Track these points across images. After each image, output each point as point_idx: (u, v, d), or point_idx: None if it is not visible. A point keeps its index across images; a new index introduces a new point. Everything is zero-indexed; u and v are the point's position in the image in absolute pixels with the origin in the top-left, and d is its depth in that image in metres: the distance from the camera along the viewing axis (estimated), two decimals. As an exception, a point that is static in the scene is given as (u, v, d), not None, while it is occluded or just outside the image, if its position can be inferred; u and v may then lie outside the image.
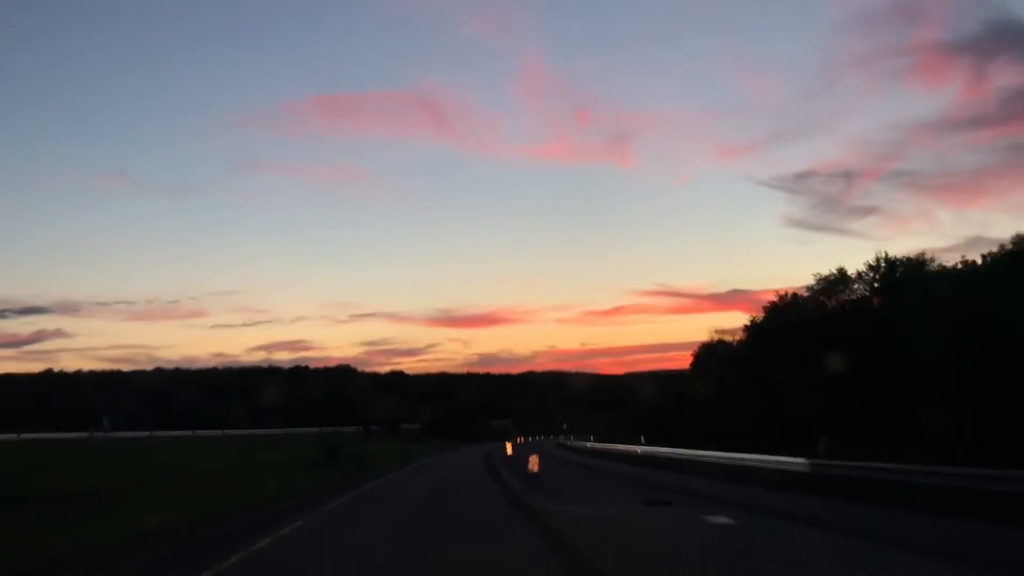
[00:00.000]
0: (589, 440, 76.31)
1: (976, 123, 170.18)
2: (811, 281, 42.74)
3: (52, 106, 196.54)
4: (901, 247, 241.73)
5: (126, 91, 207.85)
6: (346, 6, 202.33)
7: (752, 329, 51.06)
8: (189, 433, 77.08)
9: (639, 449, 47.55)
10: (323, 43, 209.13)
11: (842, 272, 40.84)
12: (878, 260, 38.80)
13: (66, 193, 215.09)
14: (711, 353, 60.14)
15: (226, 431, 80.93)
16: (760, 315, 50.20)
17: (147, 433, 74.09)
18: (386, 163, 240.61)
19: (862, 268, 39.78)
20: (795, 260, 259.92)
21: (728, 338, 58.31)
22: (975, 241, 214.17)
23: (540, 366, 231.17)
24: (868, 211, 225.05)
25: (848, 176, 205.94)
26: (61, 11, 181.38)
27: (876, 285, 39.01)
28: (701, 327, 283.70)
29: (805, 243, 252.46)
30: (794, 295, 46.51)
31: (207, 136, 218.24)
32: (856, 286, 40.50)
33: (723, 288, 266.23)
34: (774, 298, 48.42)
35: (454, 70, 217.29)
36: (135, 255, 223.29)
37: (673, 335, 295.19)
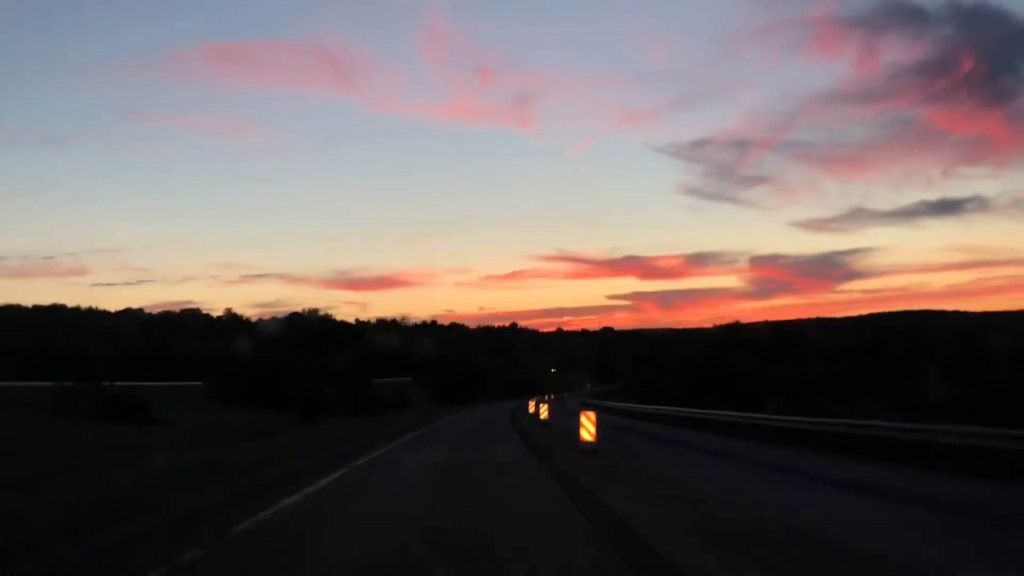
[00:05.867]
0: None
1: (864, 97, 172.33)
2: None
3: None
4: (788, 216, 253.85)
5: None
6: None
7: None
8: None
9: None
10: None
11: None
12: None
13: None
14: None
15: None
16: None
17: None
18: (281, 117, 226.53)
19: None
20: (687, 228, 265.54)
21: None
22: (857, 212, 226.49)
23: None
24: (759, 180, 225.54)
25: (742, 145, 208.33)
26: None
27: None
28: (597, 292, 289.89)
29: (697, 211, 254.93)
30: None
31: (89, 82, 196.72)
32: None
33: (619, 254, 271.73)
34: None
35: (354, 22, 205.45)
36: (6, 208, 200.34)
37: (569, 300, 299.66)
